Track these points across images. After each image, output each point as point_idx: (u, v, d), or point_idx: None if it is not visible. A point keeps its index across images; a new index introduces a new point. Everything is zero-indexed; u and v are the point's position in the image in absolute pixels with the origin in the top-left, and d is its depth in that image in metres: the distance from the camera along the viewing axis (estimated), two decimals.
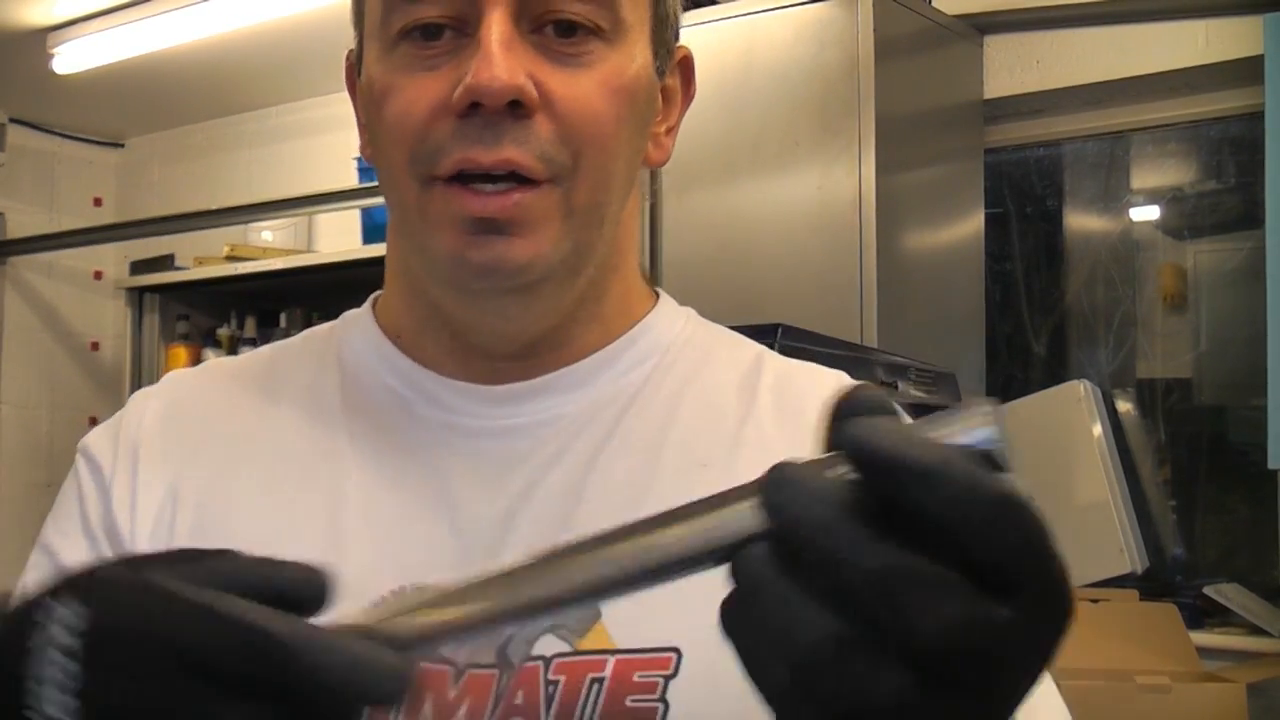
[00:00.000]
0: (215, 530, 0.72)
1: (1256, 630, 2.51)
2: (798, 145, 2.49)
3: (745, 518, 0.40)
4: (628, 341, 0.79)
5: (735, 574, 0.40)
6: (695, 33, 2.62)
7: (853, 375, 1.73)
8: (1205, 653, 2.48)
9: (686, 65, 0.80)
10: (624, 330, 0.79)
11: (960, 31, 2.78)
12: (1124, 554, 2.67)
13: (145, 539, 0.73)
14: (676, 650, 0.68)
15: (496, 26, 0.67)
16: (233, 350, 3.83)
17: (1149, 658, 2.44)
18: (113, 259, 4.45)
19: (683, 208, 2.59)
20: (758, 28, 2.56)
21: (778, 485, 0.39)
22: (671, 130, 0.80)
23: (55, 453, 4.38)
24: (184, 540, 0.72)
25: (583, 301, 0.76)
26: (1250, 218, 2.68)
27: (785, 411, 0.78)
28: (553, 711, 0.67)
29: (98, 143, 4.61)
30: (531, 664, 0.68)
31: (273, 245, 3.87)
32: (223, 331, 3.90)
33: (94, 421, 4.86)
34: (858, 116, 2.42)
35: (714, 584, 0.60)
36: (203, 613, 0.40)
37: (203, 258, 3.82)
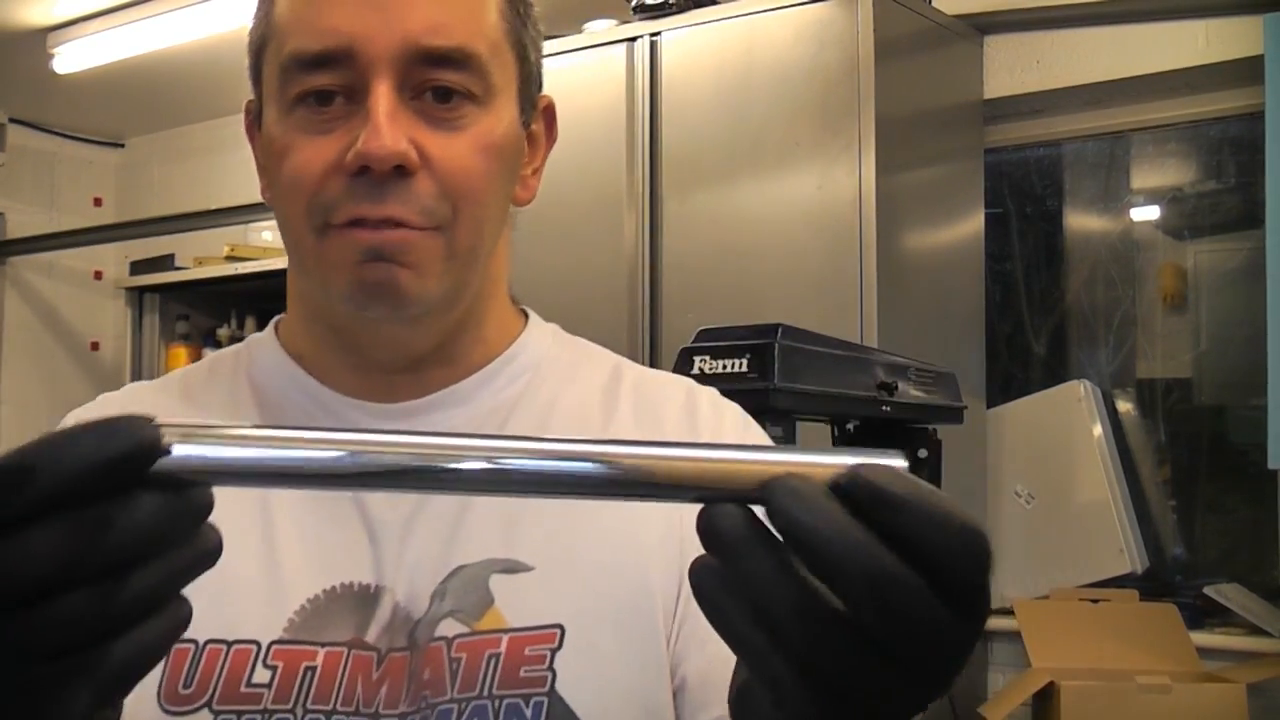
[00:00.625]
0: None
1: (1256, 630, 2.51)
2: (798, 145, 2.48)
3: (748, 480, 0.46)
4: (504, 361, 0.88)
5: (722, 533, 0.46)
6: (695, 33, 2.63)
7: (853, 375, 1.72)
8: (1205, 653, 2.48)
9: (549, 112, 0.90)
10: (502, 349, 0.89)
11: (960, 31, 2.78)
12: (1124, 554, 2.67)
13: None
14: (560, 626, 0.78)
15: (383, 99, 0.76)
16: None
17: (1149, 658, 2.44)
18: (113, 259, 4.45)
19: (683, 208, 2.59)
20: (758, 28, 2.56)
21: (793, 478, 0.46)
22: (537, 171, 0.89)
23: None
24: None
25: (464, 326, 0.85)
26: (1250, 218, 2.68)
27: (643, 414, 0.88)
28: (457, 685, 0.76)
29: (98, 143, 4.61)
30: (435, 644, 0.77)
31: (273, 245, 3.87)
32: (223, 331, 3.90)
33: None
34: (858, 116, 2.42)
35: (586, 572, 0.78)
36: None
37: (203, 258, 3.82)
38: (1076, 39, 2.75)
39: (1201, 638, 2.51)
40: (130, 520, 0.44)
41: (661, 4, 2.68)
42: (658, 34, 2.67)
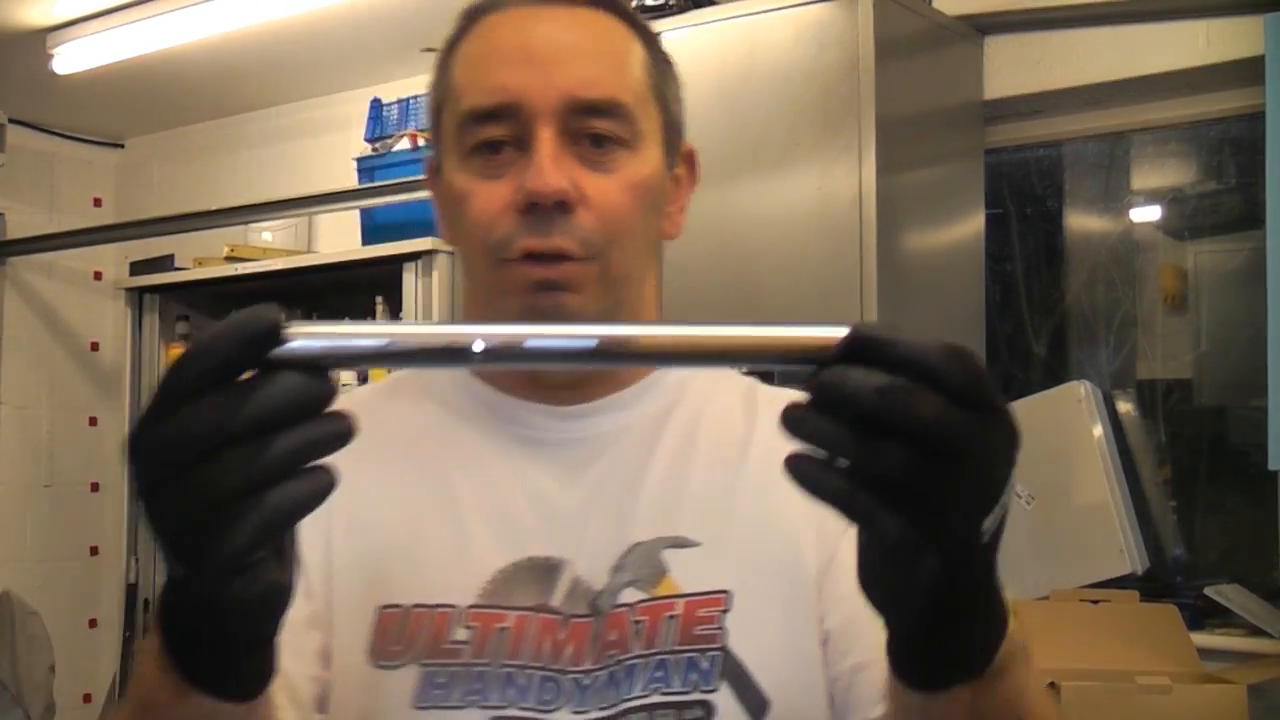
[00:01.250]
0: (364, 522, 0.94)
1: (1257, 631, 2.51)
2: (798, 146, 2.48)
3: (824, 342, 0.59)
4: (656, 378, 1.01)
5: (830, 384, 0.58)
6: (696, 33, 2.62)
7: None
8: (1205, 653, 2.47)
9: (690, 157, 1.04)
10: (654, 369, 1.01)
11: (960, 32, 2.78)
12: (1124, 554, 2.67)
13: (307, 536, 0.88)
14: (727, 592, 0.92)
15: (546, 145, 0.90)
16: None
17: (1149, 658, 2.44)
18: (113, 259, 4.44)
19: None
20: (758, 28, 2.56)
21: (872, 332, 0.60)
22: (682, 209, 1.04)
23: (55, 453, 4.38)
24: (340, 532, 0.93)
25: None
26: (1250, 218, 2.67)
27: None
28: (641, 641, 0.90)
29: (98, 143, 4.61)
30: (618, 610, 0.91)
31: (273, 245, 3.87)
32: None
33: (94, 421, 4.84)
34: (858, 117, 2.42)
35: (745, 546, 0.94)
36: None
37: (203, 258, 3.81)
38: (1076, 39, 2.74)
39: (1202, 638, 2.51)
40: (266, 392, 0.55)
41: (661, 4, 2.68)
42: (658, 34, 2.66)
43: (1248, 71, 2.48)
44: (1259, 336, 2.39)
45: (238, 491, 0.55)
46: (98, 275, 4.53)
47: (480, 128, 0.92)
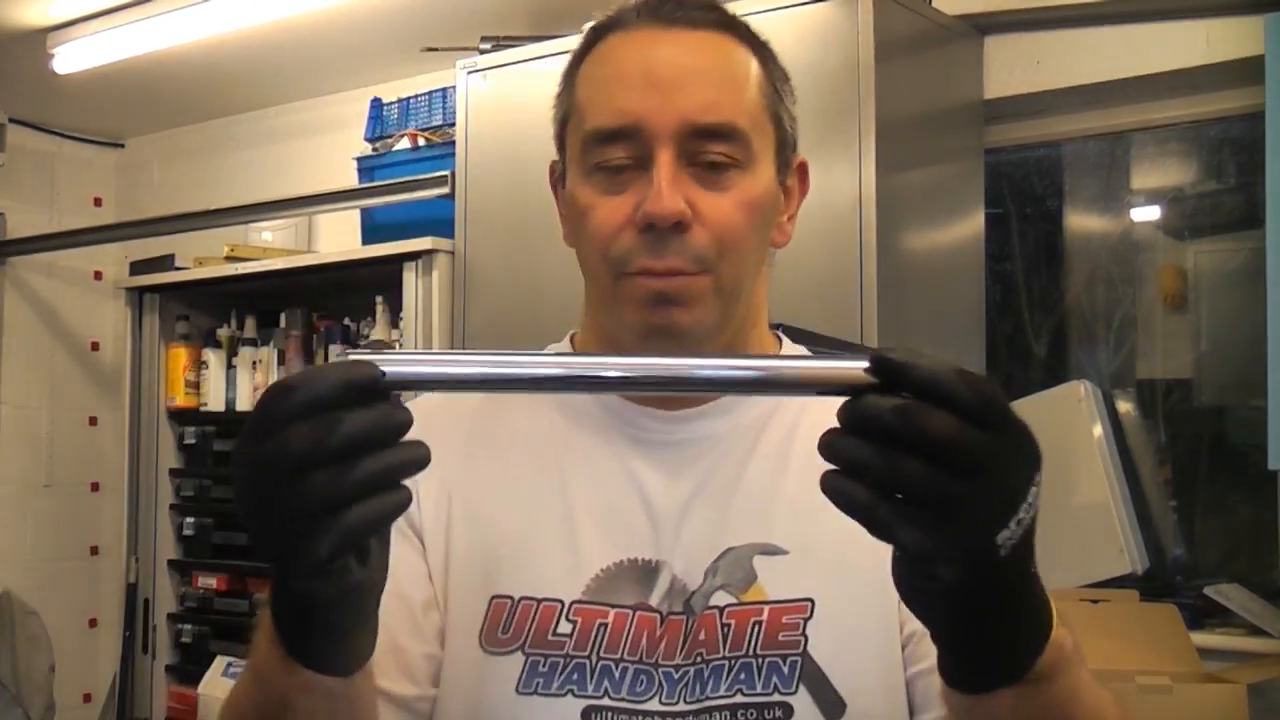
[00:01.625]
0: (481, 515, 1.01)
1: (1257, 631, 2.51)
2: (798, 145, 2.48)
3: (854, 374, 0.66)
4: None
5: (854, 407, 0.65)
6: None
7: None
8: (1205, 653, 2.47)
9: (802, 169, 1.13)
10: None
11: (960, 31, 2.78)
12: (1124, 554, 2.67)
13: (429, 525, 1.01)
14: (811, 600, 0.97)
15: (665, 168, 0.95)
16: (232, 350, 3.82)
17: (1149, 658, 2.44)
18: (113, 259, 4.44)
19: None
20: (758, 28, 2.56)
21: (891, 356, 0.65)
22: (791, 217, 1.11)
23: (55, 453, 4.38)
24: (459, 523, 1.01)
25: (730, 348, 1.02)
26: (1250, 218, 2.67)
27: None
28: (728, 643, 0.96)
29: (98, 143, 4.61)
30: (709, 612, 0.97)
31: (273, 245, 3.87)
32: (223, 332, 3.89)
33: (94, 421, 4.84)
34: (858, 117, 2.42)
35: (831, 556, 0.97)
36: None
37: (203, 258, 3.81)
38: (1076, 39, 2.74)
39: (1202, 638, 2.51)
40: (353, 423, 0.64)
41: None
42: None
43: (1248, 71, 2.48)
44: (1259, 336, 2.39)
45: (321, 507, 0.64)
46: (98, 275, 4.52)
47: (603, 148, 0.98)
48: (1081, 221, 3.02)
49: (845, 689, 0.95)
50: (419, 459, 0.67)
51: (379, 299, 3.36)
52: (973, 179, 2.85)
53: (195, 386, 3.79)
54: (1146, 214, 2.97)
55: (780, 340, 1.12)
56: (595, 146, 0.98)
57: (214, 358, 3.79)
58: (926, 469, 0.63)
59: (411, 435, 1.03)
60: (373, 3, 3.22)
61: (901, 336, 2.35)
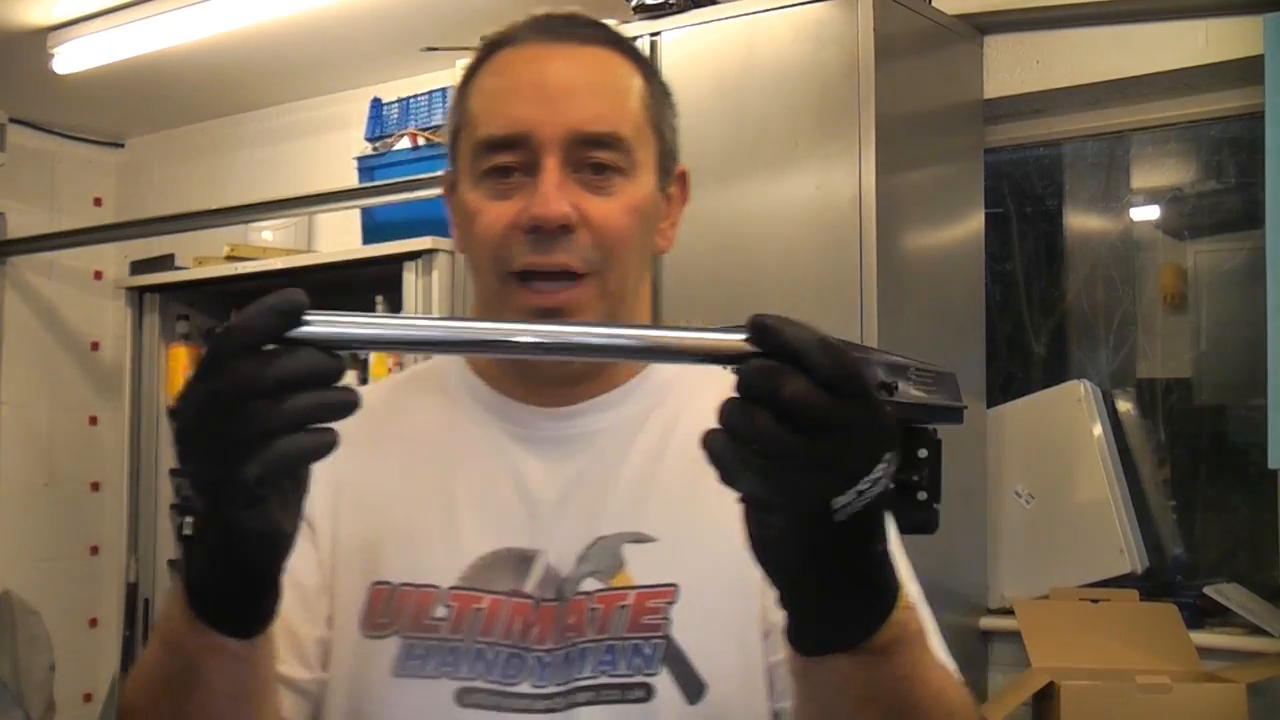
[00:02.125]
0: (367, 505, 1.05)
1: (1256, 630, 2.51)
2: (798, 145, 2.48)
3: (735, 344, 0.70)
4: (642, 379, 1.11)
5: (736, 371, 0.69)
6: (695, 33, 2.62)
7: None
8: (1205, 653, 2.47)
9: (683, 178, 1.14)
10: (640, 370, 1.11)
11: (960, 31, 2.78)
12: (1124, 554, 2.67)
13: (319, 514, 1.04)
14: (676, 586, 1.01)
15: (551, 174, 1.00)
16: None
17: (1149, 658, 2.44)
18: (113, 259, 4.44)
19: (683, 207, 2.58)
20: (758, 28, 2.56)
21: (765, 323, 0.69)
22: (673, 224, 1.14)
23: (55, 453, 4.38)
24: (346, 512, 1.05)
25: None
26: (1250, 218, 2.67)
27: None
28: (595, 626, 1.00)
29: (98, 143, 4.61)
30: (578, 597, 1.01)
31: (273, 245, 3.87)
32: None
33: (94, 421, 4.83)
34: (858, 116, 2.42)
35: (700, 543, 1.02)
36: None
37: (203, 258, 3.81)
38: (1076, 39, 2.75)
39: (1201, 638, 2.51)
40: (287, 362, 0.69)
41: (661, 4, 2.68)
42: (658, 34, 2.66)
43: (1247, 71, 2.48)
44: (1259, 336, 2.39)
45: (255, 436, 0.69)
46: (98, 275, 4.52)
47: (493, 155, 1.03)
48: (1081, 221, 3.02)
49: (706, 671, 0.99)
50: (348, 401, 0.70)
51: (379, 299, 3.36)
52: (973, 179, 2.85)
53: None
54: (1146, 214, 2.97)
55: None
56: (486, 154, 1.03)
57: None
58: (774, 423, 0.67)
59: None
60: (373, 3, 3.22)
61: (902, 336, 2.35)
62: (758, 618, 1.01)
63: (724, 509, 0.99)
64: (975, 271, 2.84)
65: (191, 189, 4.27)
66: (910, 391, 1.76)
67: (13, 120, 4.20)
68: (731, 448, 0.69)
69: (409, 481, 1.07)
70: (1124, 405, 2.85)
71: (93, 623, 4.40)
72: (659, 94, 1.11)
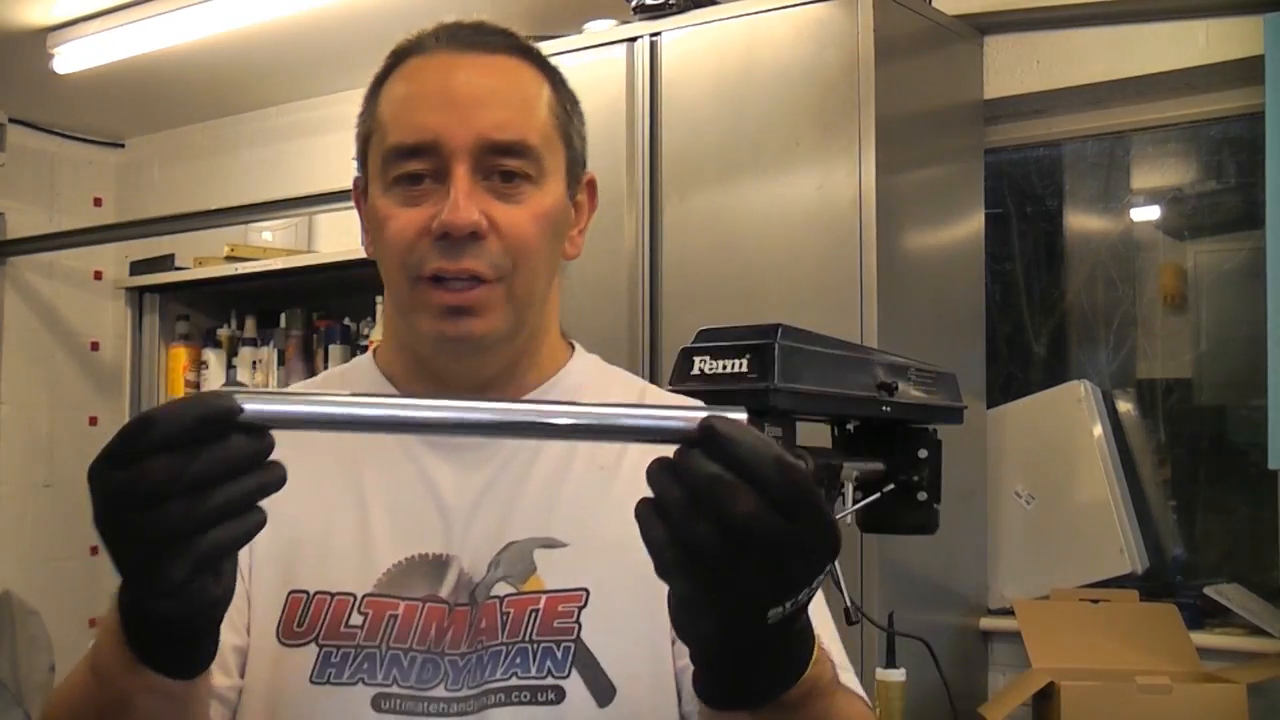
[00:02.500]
0: (283, 515, 1.03)
1: (1257, 630, 2.51)
2: (798, 145, 2.48)
3: (687, 431, 0.69)
4: (553, 384, 1.13)
5: (684, 455, 0.69)
6: (696, 33, 2.63)
7: (853, 375, 1.72)
8: (1205, 653, 2.47)
9: (591, 186, 1.15)
10: (553, 374, 1.13)
11: (960, 31, 2.78)
12: (1124, 554, 2.67)
13: None
14: (586, 590, 1.03)
15: (461, 181, 1.01)
16: (232, 350, 3.82)
17: (1149, 658, 2.44)
18: (113, 259, 4.44)
19: (683, 208, 2.59)
20: (758, 28, 2.56)
21: (719, 428, 0.69)
22: (581, 231, 1.14)
23: (55, 453, 4.38)
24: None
25: (522, 355, 1.10)
26: (1250, 218, 2.67)
27: None
28: (507, 630, 1.01)
29: (98, 143, 4.61)
30: (490, 602, 1.02)
31: (273, 245, 3.87)
32: (223, 332, 3.89)
33: (94, 421, 4.83)
34: (858, 116, 2.42)
35: (609, 549, 1.02)
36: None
37: (203, 258, 3.82)
38: (1076, 39, 2.75)
39: (1201, 638, 2.51)
40: (210, 454, 0.67)
41: (661, 4, 2.68)
42: (658, 34, 2.66)
43: (1247, 71, 2.48)
44: (1259, 336, 2.39)
45: (179, 534, 0.68)
46: (98, 275, 4.52)
47: (403, 162, 1.04)
48: (1081, 221, 3.02)
49: (616, 674, 1.01)
50: (274, 481, 0.70)
51: (379, 299, 3.36)
52: (973, 179, 2.85)
53: (195, 386, 3.79)
54: (1146, 214, 2.97)
55: (572, 346, 1.18)
56: (396, 161, 1.05)
57: (214, 358, 3.79)
58: (718, 538, 0.67)
59: None
60: (373, 3, 3.22)
61: (902, 336, 2.35)
62: (667, 623, 1.01)
63: (629, 514, 1.02)
64: (975, 271, 2.84)
65: (191, 189, 4.27)
66: (910, 391, 1.76)
67: (12, 120, 4.20)
68: (671, 548, 0.69)
69: (324, 490, 1.07)
70: (1124, 405, 2.85)
71: (93, 623, 4.40)
72: (567, 102, 1.11)
